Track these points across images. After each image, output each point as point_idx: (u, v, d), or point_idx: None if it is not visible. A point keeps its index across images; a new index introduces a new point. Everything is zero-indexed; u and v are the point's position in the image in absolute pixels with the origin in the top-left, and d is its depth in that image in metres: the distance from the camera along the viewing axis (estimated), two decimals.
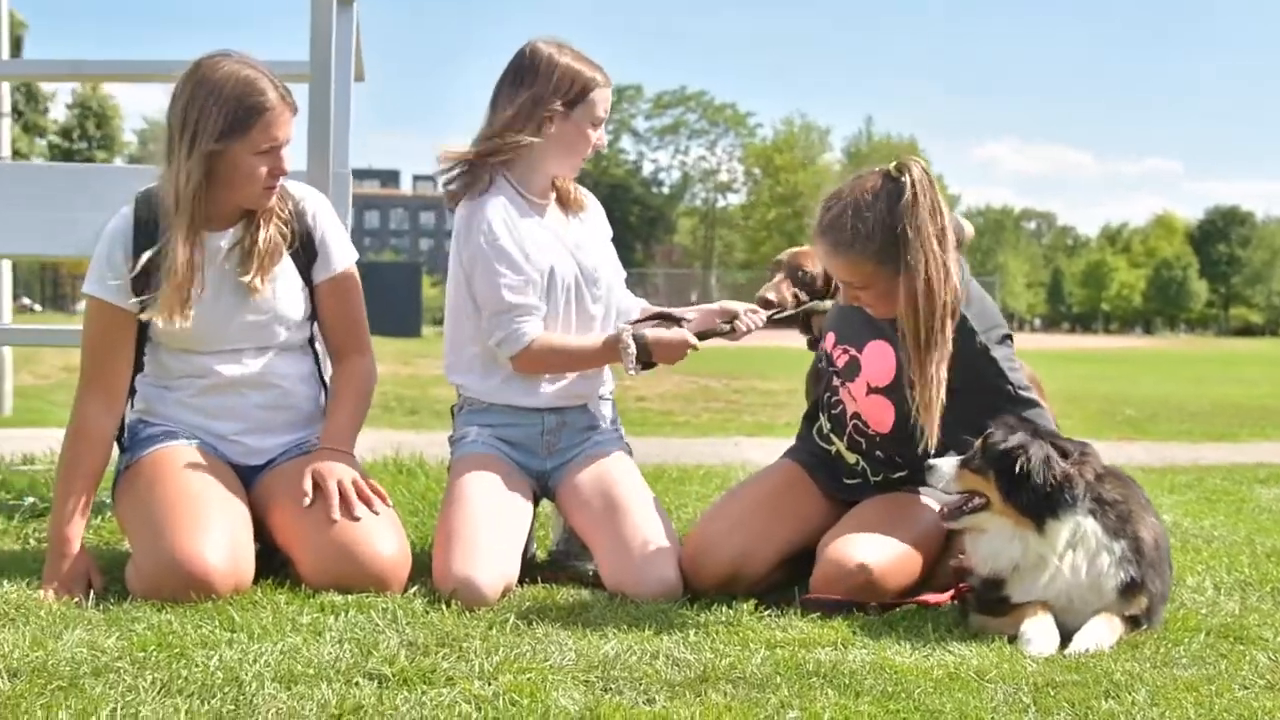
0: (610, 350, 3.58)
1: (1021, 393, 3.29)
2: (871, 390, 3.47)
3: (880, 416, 3.48)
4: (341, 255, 3.62)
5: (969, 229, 3.83)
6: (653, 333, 3.55)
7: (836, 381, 3.59)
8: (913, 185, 3.17)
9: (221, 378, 3.52)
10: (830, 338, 3.62)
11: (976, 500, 3.08)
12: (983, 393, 3.27)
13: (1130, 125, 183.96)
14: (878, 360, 3.46)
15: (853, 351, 3.52)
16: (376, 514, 3.37)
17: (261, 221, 3.47)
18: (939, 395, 3.18)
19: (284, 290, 3.54)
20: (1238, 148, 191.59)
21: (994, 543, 3.07)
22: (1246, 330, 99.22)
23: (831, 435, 3.65)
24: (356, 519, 3.32)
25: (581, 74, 3.62)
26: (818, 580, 3.31)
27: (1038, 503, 2.97)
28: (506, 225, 3.59)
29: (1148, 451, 8.41)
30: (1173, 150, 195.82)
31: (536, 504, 3.78)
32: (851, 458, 3.61)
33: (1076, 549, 3.00)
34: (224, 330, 3.48)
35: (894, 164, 3.25)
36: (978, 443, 3.09)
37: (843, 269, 3.28)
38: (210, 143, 3.29)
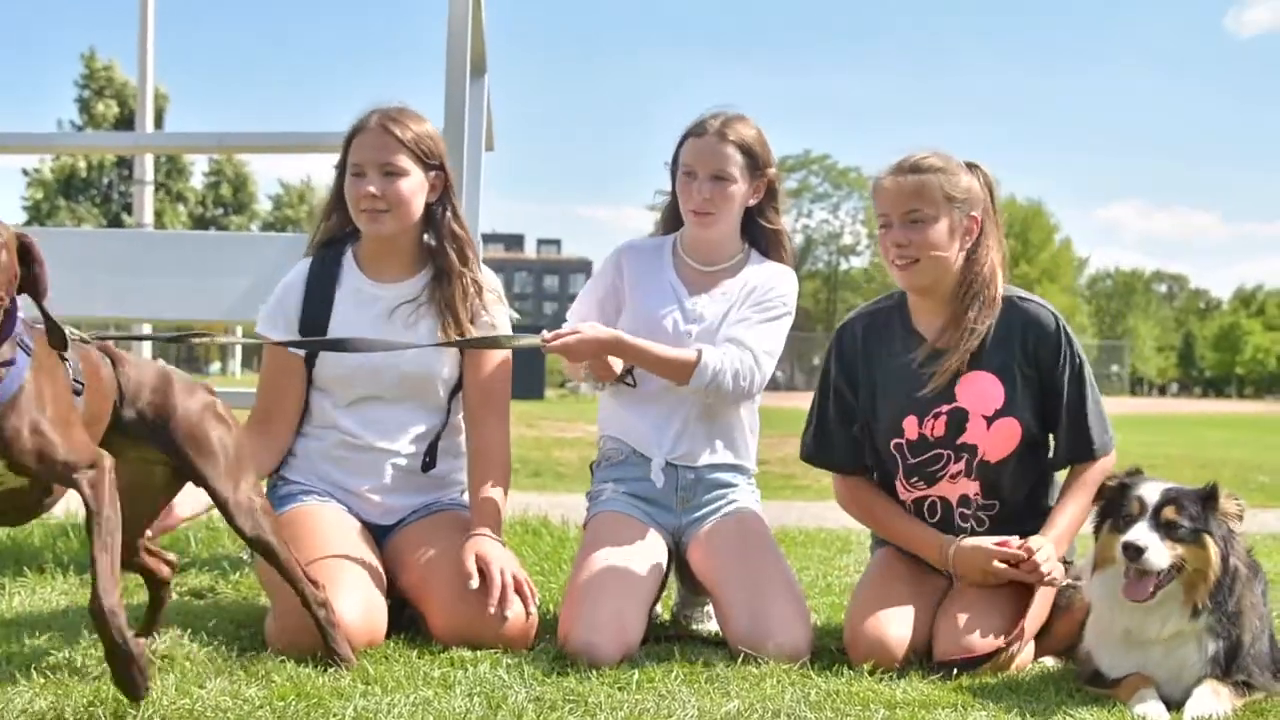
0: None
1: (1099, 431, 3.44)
2: (990, 419, 3.45)
3: (1005, 440, 3.46)
4: (498, 323, 3.70)
5: None
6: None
7: (936, 467, 3.52)
8: (990, 179, 3.52)
9: (363, 439, 3.65)
10: (910, 421, 3.52)
11: (1173, 572, 2.96)
12: (1055, 398, 3.45)
13: (1258, 186, 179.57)
14: (979, 388, 3.46)
15: (945, 408, 3.48)
16: (529, 614, 3.40)
17: (447, 279, 3.62)
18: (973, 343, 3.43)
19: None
20: None
21: (1156, 612, 2.98)
22: None
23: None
24: (505, 618, 3.34)
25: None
26: (942, 658, 3.30)
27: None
28: (628, 261, 3.82)
29: None
30: None
31: (672, 559, 3.77)
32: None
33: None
34: (382, 377, 3.61)
35: (965, 161, 3.50)
36: (1168, 510, 2.94)
37: (920, 191, 3.40)
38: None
